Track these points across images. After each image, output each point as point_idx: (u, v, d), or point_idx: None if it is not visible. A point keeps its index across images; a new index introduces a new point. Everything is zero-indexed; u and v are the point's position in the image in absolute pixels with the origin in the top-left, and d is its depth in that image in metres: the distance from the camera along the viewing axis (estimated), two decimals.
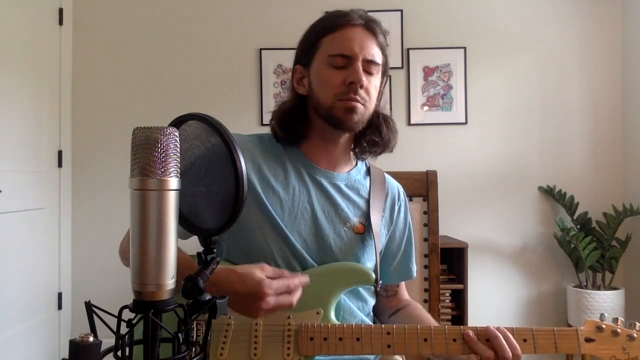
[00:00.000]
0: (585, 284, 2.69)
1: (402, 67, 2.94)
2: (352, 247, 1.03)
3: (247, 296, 0.83)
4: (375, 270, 1.05)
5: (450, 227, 2.83)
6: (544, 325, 0.93)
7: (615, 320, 0.92)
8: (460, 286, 2.57)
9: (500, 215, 2.93)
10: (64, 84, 2.89)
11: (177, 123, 0.64)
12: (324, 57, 1.00)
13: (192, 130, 0.64)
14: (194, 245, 0.83)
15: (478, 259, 2.85)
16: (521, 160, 2.93)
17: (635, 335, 0.89)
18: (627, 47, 2.88)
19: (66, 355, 1.35)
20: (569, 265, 2.80)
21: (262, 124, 2.94)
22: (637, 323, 0.91)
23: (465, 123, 2.93)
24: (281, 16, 2.95)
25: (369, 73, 1.00)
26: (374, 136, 1.06)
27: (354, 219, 1.05)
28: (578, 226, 2.76)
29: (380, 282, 1.08)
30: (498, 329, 0.91)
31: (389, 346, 0.91)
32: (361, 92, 0.98)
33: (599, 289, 2.63)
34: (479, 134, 2.94)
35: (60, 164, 2.85)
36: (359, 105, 0.99)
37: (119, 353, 0.54)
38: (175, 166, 0.54)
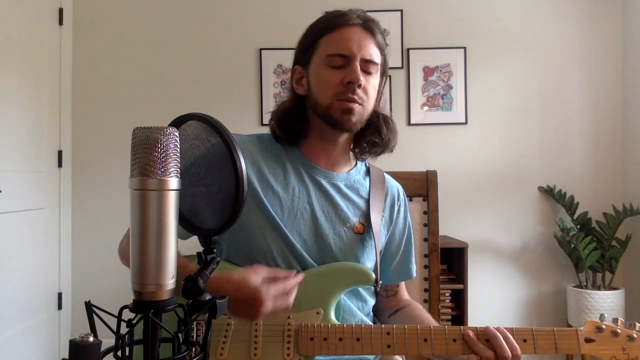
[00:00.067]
0: (585, 284, 2.69)
1: (402, 67, 2.94)
2: (352, 247, 1.03)
3: (244, 302, 0.84)
4: (375, 270, 1.05)
5: (450, 227, 2.83)
6: (544, 326, 0.93)
7: (615, 320, 0.92)
8: (460, 286, 2.57)
9: (500, 215, 2.93)
10: (64, 84, 2.89)
11: (177, 123, 0.63)
12: (322, 57, 1.00)
13: (192, 130, 0.64)
14: (194, 245, 0.83)
15: (478, 259, 2.85)
16: (521, 160, 2.93)
17: (635, 336, 0.89)
18: (627, 47, 2.88)
19: (66, 355, 1.35)
20: (569, 265, 2.80)
21: (262, 124, 2.94)
22: (636, 323, 0.91)
23: (465, 123, 2.93)
24: (281, 16, 2.95)
25: (367, 73, 1.00)
26: (373, 137, 1.06)
27: (354, 219, 1.05)
28: (578, 226, 2.76)
29: (380, 282, 1.08)
30: (498, 329, 0.91)
31: (388, 346, 0.91)
32: (359, 91, 0.98)
33: (599, 289, 2.63)
34: (479, 134, 2.94)
35: (60, 164, 2.85)
36: (357, 106, 0.99)
37: (119, 353, 0.54)
38: (175, 166, 0.54)
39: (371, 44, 1.01)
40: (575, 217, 2.78)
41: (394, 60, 2.90)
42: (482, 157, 2.93)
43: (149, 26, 2.98)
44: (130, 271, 0.54)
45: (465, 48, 2.93)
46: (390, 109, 2.79)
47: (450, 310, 2.63)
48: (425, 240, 1.40)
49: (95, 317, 0.54)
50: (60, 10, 2.85)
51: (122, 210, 2.77)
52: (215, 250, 0.65)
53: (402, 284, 1.18)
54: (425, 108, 2.94)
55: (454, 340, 0.91)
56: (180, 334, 0.55)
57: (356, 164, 1.13)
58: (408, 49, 2.94)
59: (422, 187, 1.41)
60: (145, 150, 0.52)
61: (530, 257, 2.93)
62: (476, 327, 0.92)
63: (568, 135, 2.93)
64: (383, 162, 1.15)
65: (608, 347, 0.90)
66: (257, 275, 0.87)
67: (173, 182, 0.53)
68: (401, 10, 2.94)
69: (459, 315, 2.62)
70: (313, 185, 1.05)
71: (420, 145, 2.91)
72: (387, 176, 1.16)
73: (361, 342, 0.91)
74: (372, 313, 1.11)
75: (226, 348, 0.91)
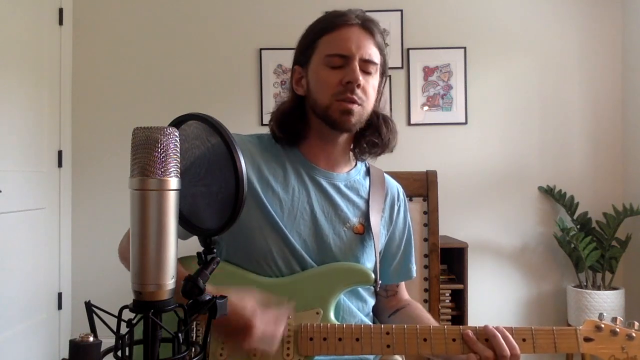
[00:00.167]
0: (585, 284, 2.69)
1: (402, 67, 2.94)
2: (352, 248, 1.03)
3: (235, 329, 0.85)
4: (374, 271, 1.05)
5: (450, 227, 2.83)
6: (544, 326, 0.93)
7: (614, 319, 0.92)
8: (460, 286, 2.57)
9: (500, 215, 2.93)
10: (64, 84, 2.89)
11: (177, 123, 0.63)
12: (321, 57, 1.00)
13: (192, 130, 0.64)
14: (194, 245, 0.83)
15: (478, 259, 2.85)
16: (521, 160, 2.93)
17: (634, 335, 0.89)
18: (627, 47, 2.88)
19: (66, 355, 1.35)
20: (569, 265, 2.81)
21: (262, 124, 2.94)
22: (635, 323, 0.91)
23: (465, 123, 2.93)
24: (281, 16, 2.95)
25: (366, 73, 1.00)
26: (373, 137, 1.06)
27: (354, 219, 1.05)
28: (578, 226, 2.76)
29: (380, 282, 1.08)
30: (497, 328, 0.91)
31: (388, 346, 0.92)
32: (358, 91, 0.98)
33: (599, 289, 2.63)
34: (479, 134, 2.94)
35: (60, 164, 2.85)
36: (356, 107, 0.99)
37: (119, 353, 0.54)
38: (175, 166, 0.54)
39: (370, 44, 1.00)
40: (575, 217, 2.78)
41: (394, 60, 2.90)
42: (482, 157, 2.93)
43: (149, 26, 2.98)
44: (130, 271, 0.54)
45: (465, 48, 2.93)
46: (390, 109, 2.79)
47: (450, 310, 2.63)
48: (425, 240, 1.40)
49: (95, 317, 0.54)
50: (60, 10, 2.85)
51: (122, 210, 2.77)
52: (215, 250, 0.65)
53: (402, 284, 1.18)
54: (425, 108, 2.94)
55: (454, 340, 0.91)
56: (180, 334, 0.55)
57: (356, 164, 1.13)
58: (408, 49, 2.94)
59: (422, 187, 1.42)
60: (145, 150, 0.52)
61: (530, 257, 2.93)
62: (475, 327, 0.92)
63: (568, 135, 2.93)
64: (383, 162, 1.15)
65: (607, 346, 0.90)
66: (252, 301, 0.86)
67: (173, 182, 0.53)
68: (401, 10, 2.94)
69: (459, 315, 2.62)
70: (313, 185, 1.05)
71: (420, 145, 2.91)
72: (387, 176, 1.16)
73: (361, 342, 0.91)
74: (372, 313, 1.11)
75: (226, 348, 0.92)
